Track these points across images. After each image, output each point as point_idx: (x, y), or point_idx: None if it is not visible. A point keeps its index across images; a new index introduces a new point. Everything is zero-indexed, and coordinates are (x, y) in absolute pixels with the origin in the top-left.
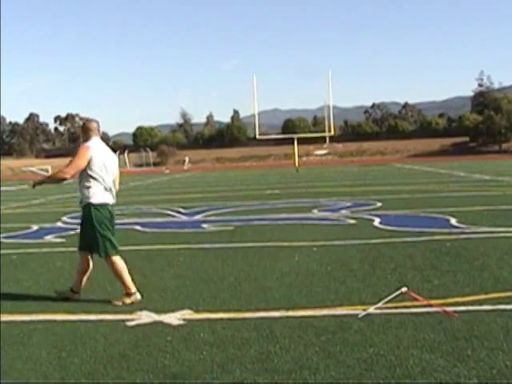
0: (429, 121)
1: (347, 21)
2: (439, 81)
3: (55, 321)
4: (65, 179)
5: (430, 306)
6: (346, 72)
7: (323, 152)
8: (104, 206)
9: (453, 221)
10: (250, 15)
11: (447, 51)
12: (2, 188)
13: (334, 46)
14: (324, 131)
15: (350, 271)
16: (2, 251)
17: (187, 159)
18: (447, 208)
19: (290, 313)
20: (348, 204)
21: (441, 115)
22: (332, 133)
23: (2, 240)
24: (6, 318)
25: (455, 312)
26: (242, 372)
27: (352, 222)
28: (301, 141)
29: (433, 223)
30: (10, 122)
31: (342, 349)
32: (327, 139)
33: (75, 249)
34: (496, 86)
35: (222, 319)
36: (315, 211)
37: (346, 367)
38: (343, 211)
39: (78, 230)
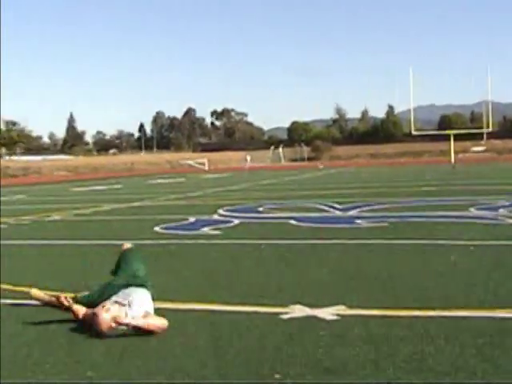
0: None
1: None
2: None
3: (211, 310)
4: None
5: None
6: (505, 67)
7: (480, 149)
8: None
9: None
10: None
11: None
12: (161, 180)
13: (492, 40)
14: (481, 127)
15: (510, 273)
16: (161, 241)
17: (249, 158)
18: None
19: (446, 313)
20: (507, 203)
21: None
22: (490, 129)
23: (161, 231)
24: (165, 305)
25: None
26: (395, 370)
27: (511, 221)
28: (457, 137)
29: None
30: (169, 117)
31: (501, 353)
32: (485, 135)
33: (230, 241)
34: None
35: (375, 316)
36: (472, 209)
37: (505, 373)
38: (502, 210)
39: (234, 223)
